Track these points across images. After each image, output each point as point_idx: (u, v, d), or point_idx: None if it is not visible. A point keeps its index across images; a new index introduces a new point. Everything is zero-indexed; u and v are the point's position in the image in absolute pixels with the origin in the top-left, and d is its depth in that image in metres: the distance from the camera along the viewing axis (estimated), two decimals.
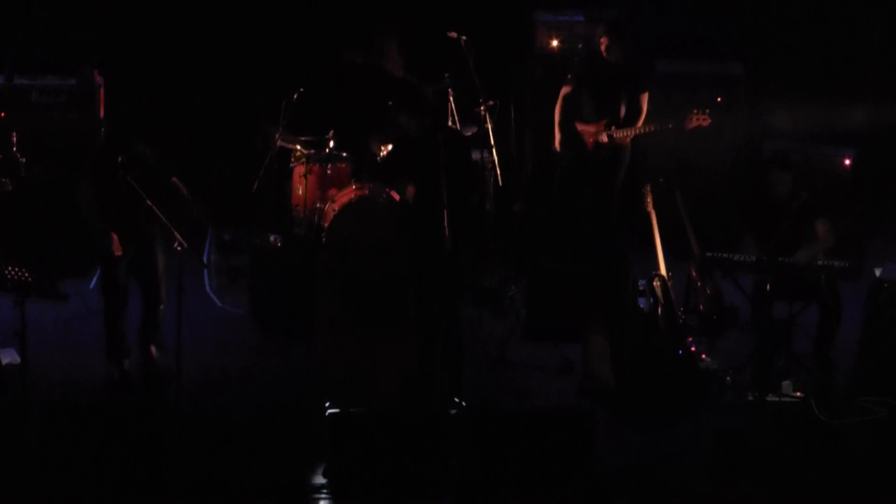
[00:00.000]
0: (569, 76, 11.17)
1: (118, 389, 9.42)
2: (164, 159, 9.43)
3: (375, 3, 12.46)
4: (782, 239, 9.53)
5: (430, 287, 9.10)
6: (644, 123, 11.02)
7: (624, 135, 11.00)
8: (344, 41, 11.80)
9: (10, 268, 8.76)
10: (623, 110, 11.02)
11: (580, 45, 11.94)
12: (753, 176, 11.66)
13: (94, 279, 10.88)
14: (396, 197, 10.81)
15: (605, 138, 11.01)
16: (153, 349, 9.55)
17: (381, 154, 11.05)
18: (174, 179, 9.41)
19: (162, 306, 9.50)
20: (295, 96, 11.01)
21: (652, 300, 10.12)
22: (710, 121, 10.89)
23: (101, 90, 11.27)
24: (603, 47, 10.94)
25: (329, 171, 11.20)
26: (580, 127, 11.12)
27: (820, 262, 9.47)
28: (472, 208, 9.36)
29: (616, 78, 10.98)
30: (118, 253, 9.27)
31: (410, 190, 9.07)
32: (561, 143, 11.18)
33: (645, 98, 11.07)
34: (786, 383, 9.55)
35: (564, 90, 11.16)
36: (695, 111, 10.88)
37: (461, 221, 9.02)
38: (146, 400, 9.31)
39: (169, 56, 12.45)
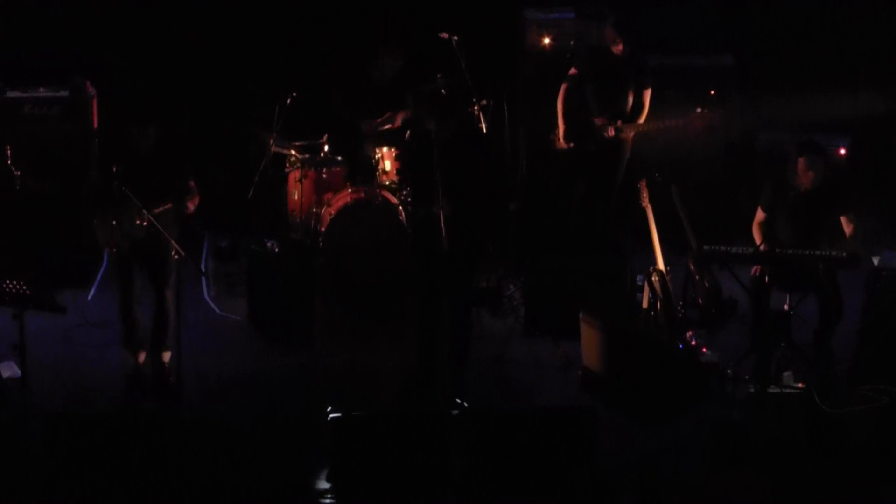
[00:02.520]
0: (571, 70, 11.14)
1: (130, 384, 9.46)
2: (184, 159, 9.48)
3: (367, 6, 12.46)
4: (802, 223, 9.49)
5: (434, 288, 9.14)
6: (651, 120, 11.01)
7: (630, 129, 10.99)
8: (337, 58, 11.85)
9: (7, 281, 8.77)
10: (630, 105, 11.01)
11: (571, 42, 11.93)
12: (750, 172, 11.69)
13: (92, 290, 10.89)
14: (393, 200, 10.84)
15: (612, 132, 11.00)
16: (163, 356, 9.59)
17: (377, 157, 11.05)
18: (192, 184, 9.45)
19: (169, 307, 9.51)
20: (288, 101, 11.01)
21: (650, 295, 10.13)
22: (717, 118, 10.89)
23: (95, 101, 11.26)
24: (618, 48, 10.90)
25: (324, 176, 11.20)
26: (586, 120, 11.09)
27: (818, 252, 9.46)
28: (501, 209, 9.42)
29: (622, 73, 10.97)
30: (112, 249, 9.26)
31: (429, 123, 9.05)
32: (566, 134, 11.11)
33: (648, 94, 11.08)
34: (787, 374, 9.55)
35: (566, 83, 11.14)
36: (699, 109, 10.90)
37: (488, 222, 9.06)
38: (146, 406, 9.30)
39: (161, 63, 12.45)
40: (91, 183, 9.37)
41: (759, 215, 9.82)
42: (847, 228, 9.61)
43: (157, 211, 9.07)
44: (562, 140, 11.16)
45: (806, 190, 9.53)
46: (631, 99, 11.01)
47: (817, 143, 9.74)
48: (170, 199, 9.25)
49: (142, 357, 9.61)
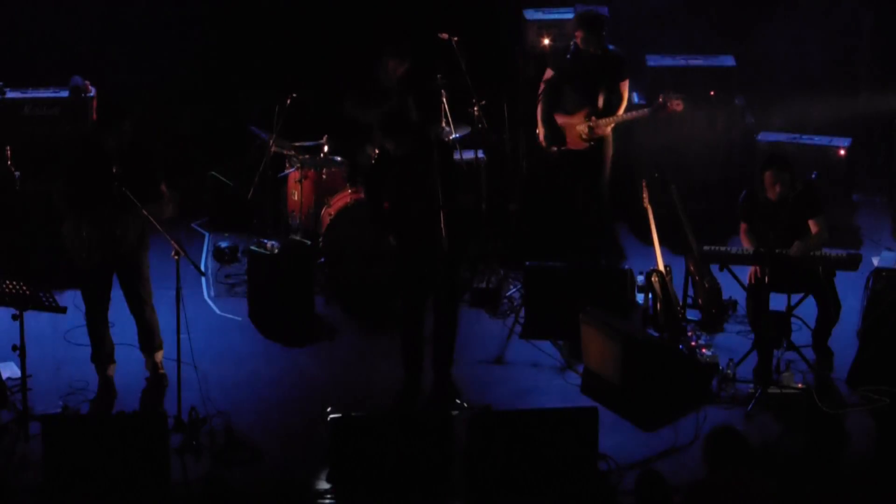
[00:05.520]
0: (547, 72, 11.19)
1: (103, 396, 9.38)
2: (156, 164, 9.36)
3: (368, 7, 12.47)
4: (781, 231, 9.51)
5: (417, 290, 9.17)
6: (624, 112, 11.07)
7: (604, 124, 11.01)
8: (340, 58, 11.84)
9: (7, 281, 8.76)
10: (601, 100, 11.02)
11: (572, 43, 11.93)
12: (750, 173, 11.69)
13: None
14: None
15: (585, 129, 11.01)
16: (156, 356, 9.55)
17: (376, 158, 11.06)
18: (163, 188, 9.31)
19: (147, 309, 9.44)
20: (288, 102, 11.00)
21: (650, 295, 10.13)
22: (682, 106, 10.91)
23: (94, 101, 11.25)
24: (579, 40, 10.98)
25: (324, 176, 11.21)
26: (561, 119, 11.11)
27: (817, 253, 9.46)
28: (463, 210, 9.41)
29: (595, 69, 10.99)
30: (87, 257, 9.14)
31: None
32: (546, 137, 11.17)
33: (625, 86, 11.09)
34: (786, 374, 9.55)
35: (544, 86, 11.18)
36: (660, 97, 10.92)
37: (454, 225, 9.08)
38: (143, 408, 9.29)
39: (161, 63, 12.46)
40: (60, 192, 9.19)
41: (743, 226, 9.83)
42: (813, 230, 9.61)
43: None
44: (543, 143, 11.18)
45: (775, 201, 9.54)
46: (603, 95, 11.01)
47: (783, 157, 9.78)
48: (143, 206, 9.07)
49: (111, 371, 9.49)
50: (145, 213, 8.88)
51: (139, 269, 9.35)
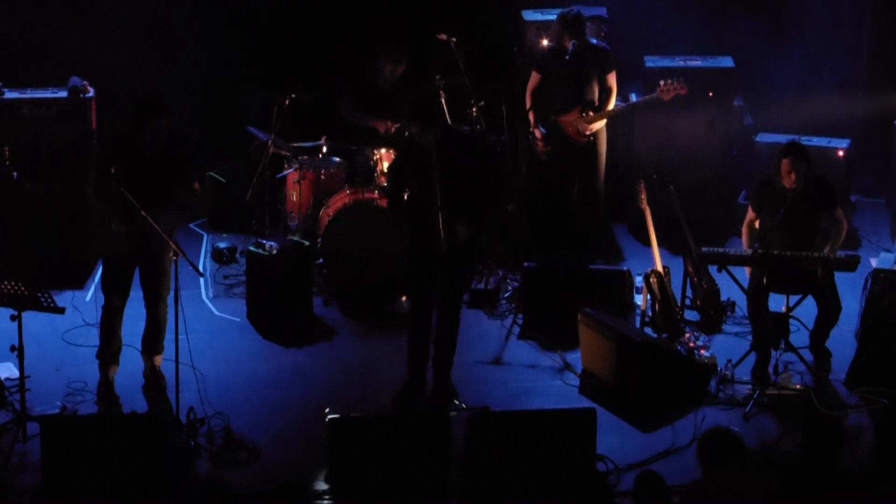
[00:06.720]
0: (533, 75, 11.21)
1: (102, 397, 9.36)
2: (190, 161, 9.35)
3: (367, 7, 12.47)
4: (789, 226, 9.48)
5: (423, 290, 9.16)
6: (615, 103, 11.09)
7: (600, 117, 11.02)
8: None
9: (5, 282, 8.75)
10: (593, 94, 11.05)
11: (571, 43, 11.94)
12: (749, 174, 11.70)
13: (91, 291, 10.87)
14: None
15: (584, 125, 11.02)
16: (155, 360, 9.54)
17: (375, 158, 11.05)
18: (196, 186, 9.34)
19: (161, 306, 9.43)
20: (287, 102, 11.00)
21: (649, 296, 10.13)
22: (686, 88, 10.91)
23: (93, 102, 11.25)
24: (565, 41, 11.00)
25: (323, 177, 11.21)
26: (559, 118, 11.13)
27: (816, 254, 9.45)
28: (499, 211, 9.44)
29: (582, 65, 11.02)
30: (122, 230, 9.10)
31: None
32: (543, 138, 11.18)
33: (612, 77, 11.11)
34: (785, 376, 9.55)
35: (531, 89, 11.20)
36: (661, 82, 10.93)
37: (485, 224, 9.07)
38: (141, 409, 9.29)
39: (160, 63, 12.46)
40: (94, 184, 9.25)
41: (750, 214, 9.81)
42: (838, 225, 9.60)
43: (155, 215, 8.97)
44: (540, 144, 11.19)
45: (791, 192, 9.49)
46: (594, 89, 11.03)
47: (800, 146, 9.70)
48: (172, 202, 9.18)
49: (113, 372, 9.47)
50: (144, 214, 8.86)
51: (162, 265, 9.32)
